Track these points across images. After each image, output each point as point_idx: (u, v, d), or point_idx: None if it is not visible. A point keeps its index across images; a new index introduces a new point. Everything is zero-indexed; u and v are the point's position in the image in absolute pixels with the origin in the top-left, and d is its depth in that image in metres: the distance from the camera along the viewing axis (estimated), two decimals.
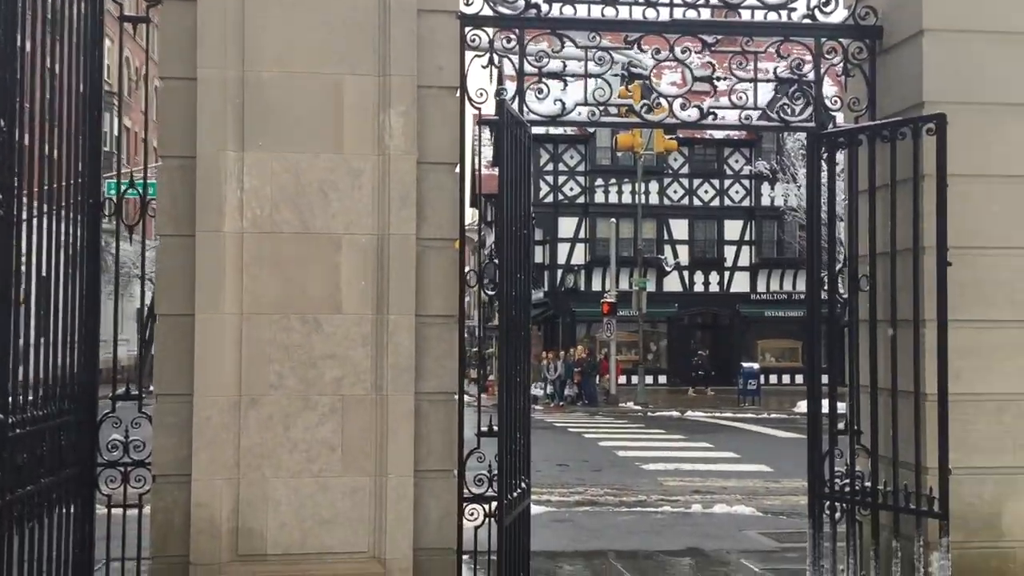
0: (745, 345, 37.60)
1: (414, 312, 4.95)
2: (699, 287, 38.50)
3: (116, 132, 5.22)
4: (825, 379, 5.86)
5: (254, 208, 4.87)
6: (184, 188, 4.98)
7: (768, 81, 6.00)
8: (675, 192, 38.11)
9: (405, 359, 4.92)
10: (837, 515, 5.72)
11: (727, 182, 38.53)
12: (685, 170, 38.03)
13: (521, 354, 5.42)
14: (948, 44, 5.56)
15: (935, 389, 5.25)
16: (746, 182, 38.32)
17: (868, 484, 5.59)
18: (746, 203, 38.50)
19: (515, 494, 5.26)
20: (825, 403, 5.85)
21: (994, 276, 5.53)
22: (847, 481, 5.70)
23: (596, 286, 35.91)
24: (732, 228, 38.51)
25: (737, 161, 38.16)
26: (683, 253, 38.14)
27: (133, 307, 24.35)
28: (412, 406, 4.94)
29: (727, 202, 38.53)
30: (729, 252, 38.45)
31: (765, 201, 37.85)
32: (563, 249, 37.31)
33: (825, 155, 5.89)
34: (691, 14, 5.77)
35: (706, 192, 38.46)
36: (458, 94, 5.28)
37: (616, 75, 5.92)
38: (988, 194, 5.53)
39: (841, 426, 5.85)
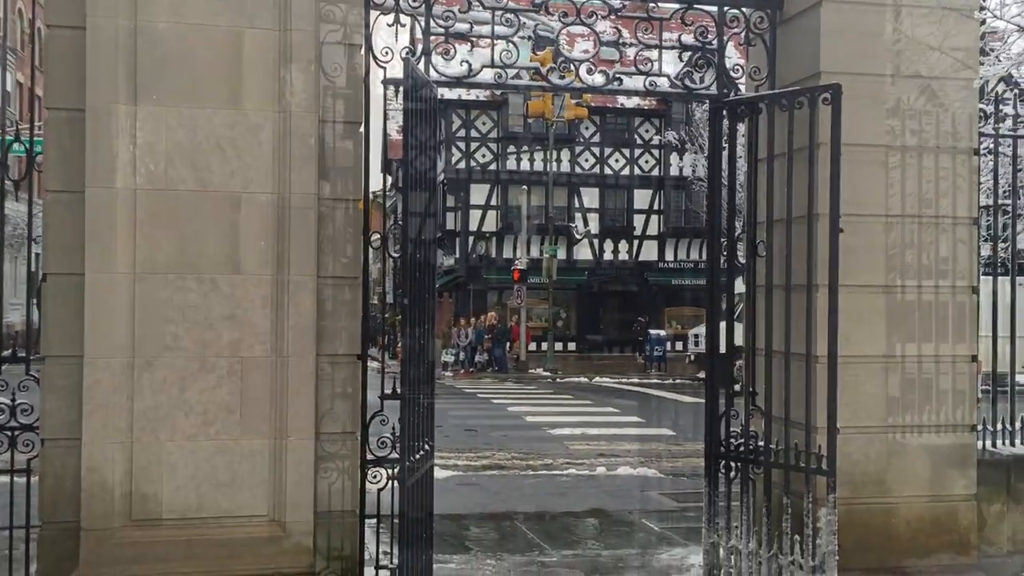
0: (653, 312, 38.25)
1: (315, 273, 4.88)
2: (608, 255, 38.90)
3: (4, 87, 4.97)
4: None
5: (148, 164, 4.72)
6: (73, 142, 4.79)
7: (673, 48, 6.06)
8: (586, 161, 38.32)
9: (306, 320, 4.85)
10: (732, 474, 5.89)
11: (637, 151, 38.89)
12: (596, 139, 38.25)
13: (425, 317, 5.40)
14: (845, 15, 5.71)
15: (825, 352, 5.42)
16: (656, 152, 38.77)
17: (761, 444, 5.76)
18: (655, 173, 38.97)
19: (418, 456, 5.25)
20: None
21: (881, 242, 5.73)
22: (742, 441, 5.87)
23: (507, 253, 35.97)
24: (641, 197, 38.93)
25: (647, 131, 38.54)
26: (593, 221, 38.44)
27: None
28: (313, 368, 4.88)
29: (637, 171, 38.91)
30: (638, 221, 38.91)
31: (674, 171, 38.38)
32: (475, 216, 37.21)
33: (726, 123, 5.99)
34: None
35: (616, 161, 38.75)
36: (363, 52, 5.18)
37: (524, 38, 5.88)
38: (880, 164, 5.71)
39: (738, 388, 6.02)
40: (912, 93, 5.78)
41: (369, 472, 5.35)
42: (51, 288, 4.84)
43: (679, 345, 38.12)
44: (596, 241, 38.55)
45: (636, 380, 28.26)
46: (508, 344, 31.94)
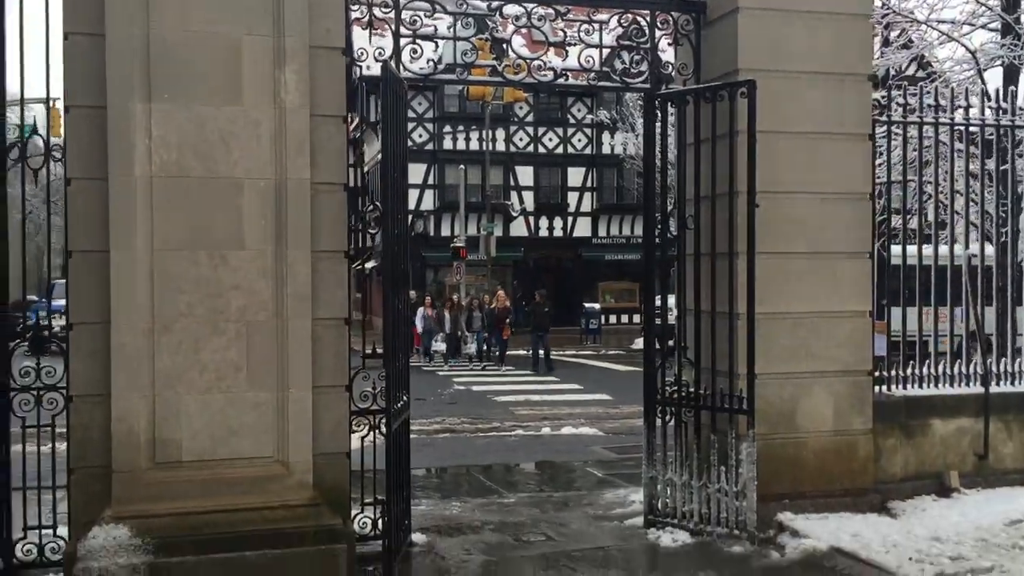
0: (587, 287, 39.37)
1: (310, 247, 5.63)
2: (544, 232, 39.84)
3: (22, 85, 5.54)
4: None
5: (162, 155, 5.41)
6: (92, 135, 5.45)
7: (611, 48, 6.89)
8: (521, 139, 39.11)
9: (303, 288, 5.61)
10: (667, 417, 6.81)
11: (570, 130, 39.81)
12: (530, 118, 39.05)
13: (402, 285, 6.20)
14: (759, 20, 6.62)
15: (745, 309, 6.36)
16: (588, 131, 39.74)
17: (692, 390, 6.70)
18: (588, 151, 39.95)
19: (399, 404, 6.08)
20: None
21: (792, 216, 6.68)
22: (675, 388, 6.80)
23: (445, 231, 36.67)
24: (575, 175, 39.89)
25: (580, 110, 39.46)
26: (528, 199, 39.33)
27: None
28: (310, 330, 5.64)
29: (570, 150, 39.85)
30: (572, 198, 39.88)
31: (606, 149, 39.44)
32: (413, 195, 37.77)
33: (659, 113, 6.87)
34: None
35: (550, 140, 39.62)
36: (343, 54, 5.92)
37: (482, 39, 6.65)
38: (787, 147, 6.64)
39: (671, 343, 6.94)
40: (815, 87, 6.71)
41: (353, 422, 6.14)
42: (76, 263, 5.51)
43: (612, 319, 39.38)
44: (531, 218, 39.44)
45: (573, 352, 29.26)
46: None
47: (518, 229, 39.08)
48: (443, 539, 6.60)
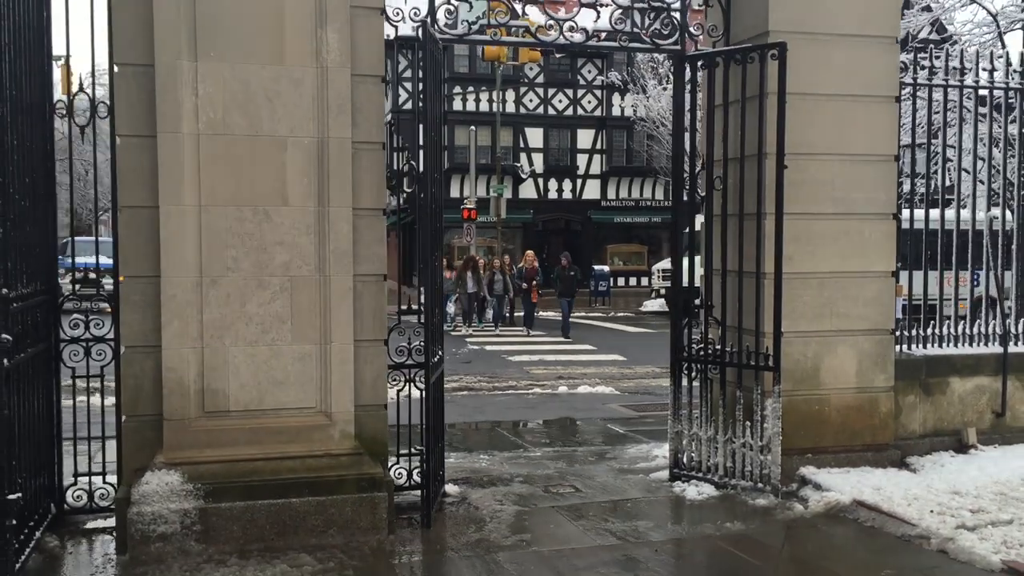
0: (596, 249, 39.51)
1: (351, 205, 5.77)
2: (553, 194, 39.90)
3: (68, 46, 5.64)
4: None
5: (208, 112, 5.53)
6: (140, 93, 5.58)
7: (643, 8, 6.97)
8: (531, 101, 39.06)
9: (344, 244, 5.76)
10: (693, 374, 6.98)
11: (580, 92, 39.72)
12: (540, 79, 38.96)
13: (439, 242, 6.34)
14: None
15: (772, 269, 6.51)
16: (598, 92, 39.63)
17: (719, 348, 6.86)
18: (598, 113, 39.87)
19: (436, 359, 6.25)
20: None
21: (819, 177, 6.80)
22: (701, 346, 6.96)
23: (455, 193, 36.71)
24: (584, 137, 39.88)
25: (590, 71, 39.34)
26: (538, 161, 39.34)
27: None
28: (351, 285, 5.80)
29: (580, 112, 39.78)
30: (582, 160, 39.90)
31: (615, 111, 39.36)
32: (422, 157, 37.75)
33: (688, 74, 6.97)
34: None
35: (560, 101, 39.56)
36: (382, 15, 6.01)
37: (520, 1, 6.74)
38: (815, 109, 6.75)
39: (697, 302, 7.10)
40: (843, 49, 6.80)
41: (389, 376, 6.32)
42: (125, 218, 5.65)
43: (620, 281, 39.56)
44: (541, 180, 39.49)
45: (582, 314, 29.41)
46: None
47: (527, 191, 39.16)
48: (475, 490, 6.81)
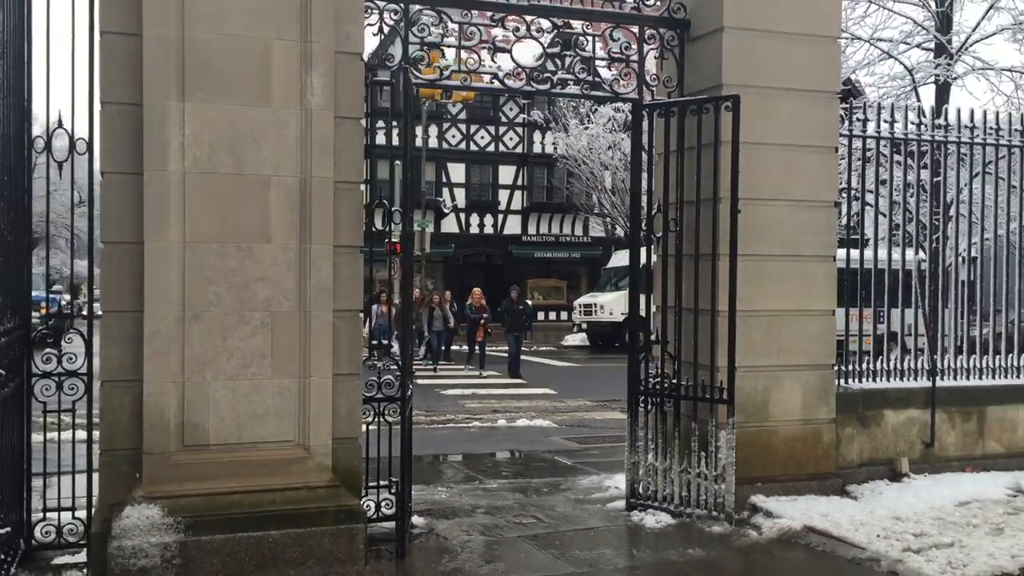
0: (517, 284, 39.88)
1: (332, 243, 5.94)
2: (475, 228, 40.24)
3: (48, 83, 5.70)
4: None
5: (194, 151, 5.65)
6: (126, 131, 5.67)
7: (602, 60, 7.34)
8: (453, 137, 39.44)
9: (325, 281, 5.91)
10: (649, 407, 7.29)
11: (502, 129, 40.29)
12: (463, 116, 39.40)
13: (410, 280, 6.54)
14: (741, 39, 7.14)
15: (726, 307, 6.88)
16: (519, 129, 40.27)
17: (675, 382, 7.19)
18: (519, 149, 40.49)
19: (409, 392, 6.43)
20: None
21: (767, 221, 7.22)
22: (658, 380, 7.29)
23: (378, 226, 36.68)
24: (506, 173, 40.40)
25: (511, 109, 39.97)
26: (460, 196, 39.67)
27: None
28: (331, 321, 5.94)
29: (502, 148, 40.33)
30: (503, 196, 40.39)
31: (537, 148, 40.04)
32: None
33: (646, 122, 7.35)
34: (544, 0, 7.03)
35: (482, 138, 40.03)
36: (362, 60, 6.23)
37: (485, 48, 7.01)
38: (764, 157, 7.19)
39: (653, 338, 7.43)
40: (790, 102, 7.27)
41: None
42: (108, 254, 5.71)
43: (540, 315, 40.01)
44: (463, 215, 39.81)
45: (506, 348, 29.69)
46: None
47: (449, 226, 39.42)
48: (440, 521, 6.96)
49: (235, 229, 5.74)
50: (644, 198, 7.46)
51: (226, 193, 5.72)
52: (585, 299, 32.91)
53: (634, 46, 7.35)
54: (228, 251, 5.73)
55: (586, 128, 34.59)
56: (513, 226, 40.75)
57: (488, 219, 40.44)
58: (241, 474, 5.74)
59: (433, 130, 38.24)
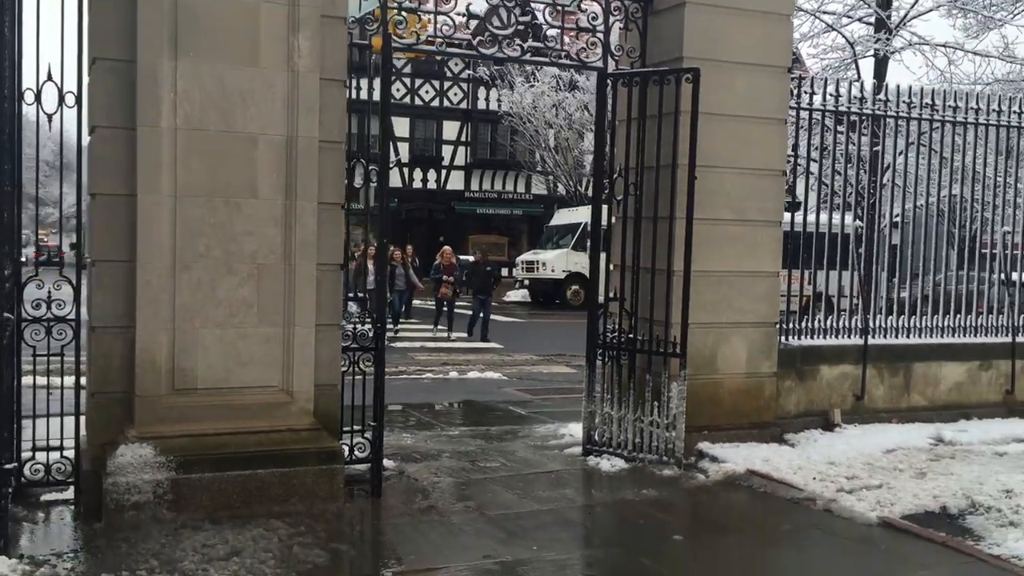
0: (458, 239, 40.18)
1: (316, 199, 6.24)
2: (418, 183, 40.39)
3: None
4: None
5: (186, 108, 5.88)
6: (117, 87, 5.87)
7: (571, 29, 7.69)
8: (398, 91, 39.32)
9: (309, 236, 6.22)
10: (607, 360, 7.77)
11: (447, 84, 40.32)
12: (407, 70, 39.29)
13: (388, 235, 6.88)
14: (702, 14, 7.54)
15: (681, 267, 7.36)
16: (464, 85, 40.34)
17: (630, 337, 7.67)
18: (464, 105, 40.59)
19: (383, 343, 6.79)
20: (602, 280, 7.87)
21: (721, 187, 7.70)
22: (615, 335, 7.76)
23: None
24: (450, 128, 40.56)
25: (457, 64, 39.98)
26: (404, 150, 39.69)
27: None
28: (314, 274, 6.26)
29: (446, 103, 40.39)
30: (447, 151, 40.55)
31: (481, 105, 40.18)
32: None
33: (610, 90, 7.74)
34: None
35: (427, 93, 40.05)
36: (345, 23, 6.49)
37: (460, 15, 7.29)
38: (720, 127, 7.63)
39: (611, 296, 7.89)
40: (745, 76, 7.72)
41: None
42: (98, 205, 5.93)
43: None
44: (406, 170, 39.87)
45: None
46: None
47: (393, 180, 39.35)
48: (409, 465, 7.38)
49: (224, 184, 6.01)
50: (607, 164, 7.86)
51: (216, 150, 5.97)
52: (527, 256, 33.39)
53: (601, 17, 7.70)
54: (217, 205, 6.00)
55: (532, 86, 34.82)
56: (456, 182, 41.01)
57: (431, 174, 40.60)
58: (228, 417, 6.07)
59: (377, 83, 38.06)
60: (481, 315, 19.51)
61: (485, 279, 20.15)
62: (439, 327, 20.24)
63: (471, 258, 35.47)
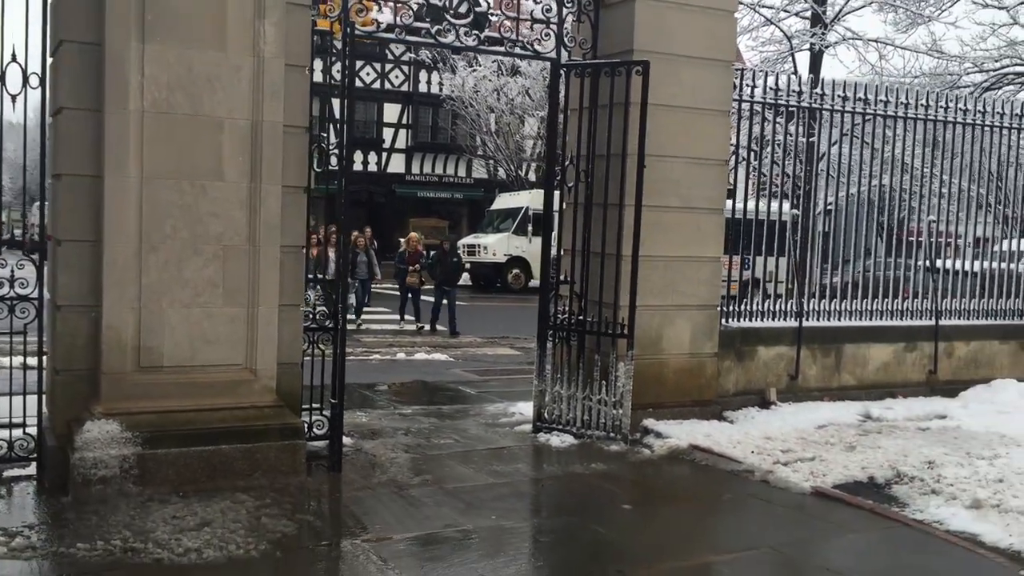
0: (398, 223, 40.21)
1: (280, 182, 6.41)
2: (358, 166, 40.17)
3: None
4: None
5: (153, 92, 5.99)
6: (84, 69, 5.97)
7: (525, 20, 7.94)
8: (338, 72, 38.97)
9: (273, 218, 6.39)
10: (556, 340, 8.08)
11: (388, 66, 40.19)
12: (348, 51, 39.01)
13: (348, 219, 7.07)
14: (651, 8, 7.85)
15: (630, 252, 7.69)
16: (405, 68, 40.26)
17: (579, 318, 7.99)
18: (405, 88, 40.52)
19: (341, 324, 7.00)
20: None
21: (668, 176, 8.03)
22: (565, 316, 8.07)
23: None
24: (391, 111, 40.46)
25: (397, 47, 39.86)
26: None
27: None
28: (278, 255, 6.43)
29: (387, 86, 40.27)
30: (388, 134, 40.46)
31: (423, 88, 40.15)
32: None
33: (563, 80, 8.01)
34: None
35: (368, 74, 39.86)
36: (309, 10, 6.65)
37: (420, 5, 7.49)
38: (667, 118, 7.96)
39: (562, 278, 8.19)
40: (691, 69, 8.06)
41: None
42: (64, 185, 6.03)
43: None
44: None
45: (389, 285, 30.12)
46: None
47: (331, 162, 39.19)
48: (366, 442, 7.60)
49: (190, 167, 6.14)
50: (559, 152, 8.14)
51: (182, 133, 6.10)
52: (468, 239, 33.57)
53: (555, 9, 7.96)
54: (184, 187, 6.13)
55: (473, 71, 34.93)
56: (397, 165, 40.97)
57: (372, 157, 40.47)
58: (193, 394, 6.23)
59: (318, 64, 37.82)
60: (445, 305, 18.08)
61: (452, 269, 18.65)
62: (406, 318, 19.04)
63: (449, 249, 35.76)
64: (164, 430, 6.05)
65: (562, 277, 8.20)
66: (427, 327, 17.90)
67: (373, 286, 20.51)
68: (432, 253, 20.03)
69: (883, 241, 10.58)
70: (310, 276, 7.13)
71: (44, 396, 6.50)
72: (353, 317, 17.69)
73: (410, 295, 18.91)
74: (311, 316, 7.06)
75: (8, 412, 6.41)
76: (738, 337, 8.92)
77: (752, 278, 9.24)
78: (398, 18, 7.33)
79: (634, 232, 7.63)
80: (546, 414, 8.10)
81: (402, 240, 20.26)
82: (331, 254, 17.19)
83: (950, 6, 17.22)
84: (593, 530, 5.68)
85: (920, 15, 16.52)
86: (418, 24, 7.50)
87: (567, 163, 8.14)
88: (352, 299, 17.83)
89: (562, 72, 8.02)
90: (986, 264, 10.72)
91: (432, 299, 18.51)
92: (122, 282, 6.00)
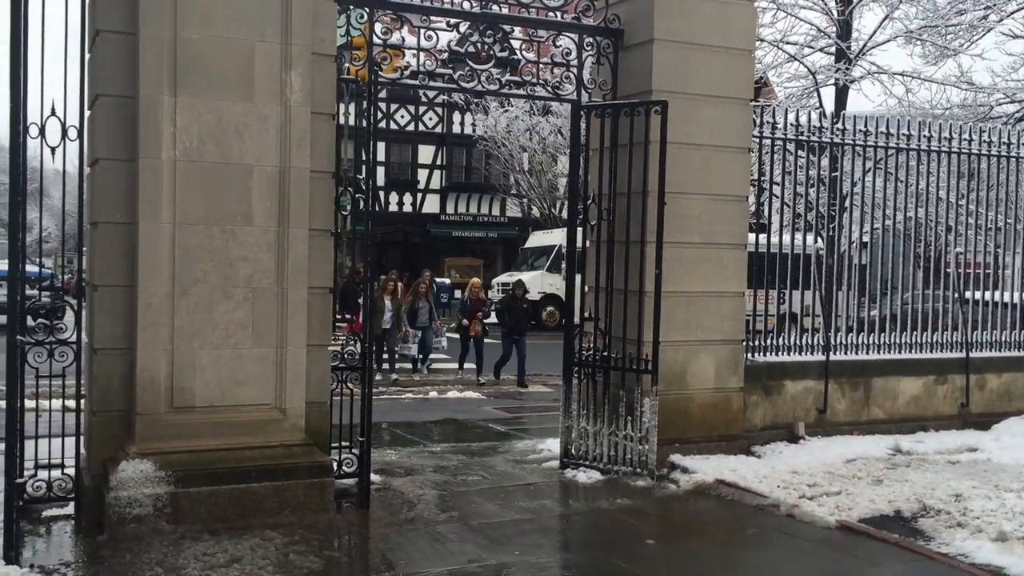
0: (434, 262, 40.54)
1: (307, 226, 6.60)
2: (393, 207, 40.73)
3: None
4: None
5: (184, 141, 6.23)
6: (119, 121, 6.23)
7: (547, 64, 8.13)
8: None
9: (301, 261, 6.57)
10: (582, 376, 8.16)
11: (422, 108, 40.78)
12: (383, 95, 39.71)
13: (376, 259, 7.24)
14: (669, 49, 8.00)
15: (652, 288, 7.78)
16: (439, 109, 40.83)
17: (604, 355, 8.07)
18: (439, 130, 41.05)
19: (370, 363, 7.14)
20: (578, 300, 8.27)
21: (689, 212, 8.14)
22: (590, 353, 8.15)
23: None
24: (425, 152, 40.97)
25: (432, 90, 40.48)
26: (379, 174, 40.00)
27: None
28: (306, 297, 6.61)
29: (421, 128, 40.84)
30: (422, 175, 40.95)
31: (456, 129, 40.66)
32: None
33: (584, 121, 8.17)
34: (495, 8, 7.78)
35: (402, 117, 40.48)
36: (334, 61, 6.88)
37: (441, 50, 7.72)
38: (687, 155, 8.08)
39: (587, 315, 8.29)
40: (711, 107, 8.19)
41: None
42: (100, 232, 6.26)
43: (456, 293, 40.78)
44: (382, 193, 40.21)
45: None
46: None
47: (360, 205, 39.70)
48: (394, 479, 7.72)
49: (220, 213, 6.36)
50: (581, 189, 8.28)
51: (213, 180, 6.33)
52: (503, 278, 33.74)
53: (574, 53, 8.14)
54: (214, 233, 6.35)
55: (505, 111, 35.31)
56: (432, 205, 41.37)
57: (407, 197, 40.95)
58: (224, 433, 6.39)
59: (352, 108, 38.49)
60: (515, 356, 16.28)
61: (522, 317, 16.97)
62: (466, 367, 17.49)
63: (447, 280, 36.06)
64: (196, 469, 6.21)
65: (586, 314, 8.30)
66: (492, 377, 16.55)
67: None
68: (501, 299, 18.59)
69: (920, 273, 10.54)
70: (338, 316, 7.28)
71: (82, 437, 6.70)
72: (420, 367, 17.33)
73: (472, 342, 17.32)
74: (339, 355, 7.21)
75: (47, 454, 6.61)
76: (764, 372, 8.94)
77: (778, 312, 9.27)
78: (422, 65, 7.53)
79: (656, 268, 7.72)
80: (573, 450, 8.16)
81: (467, 289, 18.72)
82: (387, 302, 17.19)
83: (979, 39, 17.21)
84: (618, 565, 5.73)
85: (947, 48, 16.53)
86: (441, 70, 7.70)
87: (589, 201, 8.27)
88: (413, 348, 17.36)
89: (583, 113, 8.18)
90: (1017, 295, 10.65)
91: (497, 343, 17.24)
92: (155, 324, 6.21)
